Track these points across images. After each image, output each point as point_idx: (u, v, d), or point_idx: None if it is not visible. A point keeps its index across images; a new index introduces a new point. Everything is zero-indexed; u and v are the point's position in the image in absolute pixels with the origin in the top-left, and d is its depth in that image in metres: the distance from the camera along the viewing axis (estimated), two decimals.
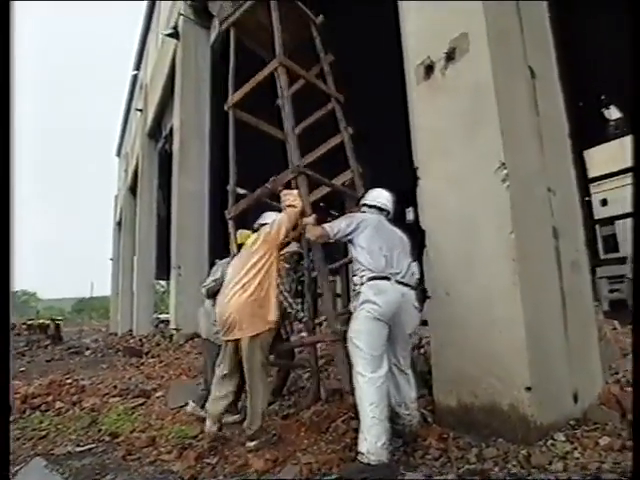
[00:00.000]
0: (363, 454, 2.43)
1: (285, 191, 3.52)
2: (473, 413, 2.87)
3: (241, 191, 3.74)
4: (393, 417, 2.76)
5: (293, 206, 3.38)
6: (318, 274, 3.50)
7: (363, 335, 2.65)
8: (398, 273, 2.80)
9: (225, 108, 4.32)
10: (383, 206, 3.23)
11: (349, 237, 2.99)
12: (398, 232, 3.14)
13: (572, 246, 3.26)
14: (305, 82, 4.43)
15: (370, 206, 3.24)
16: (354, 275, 2.87)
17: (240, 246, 3.72)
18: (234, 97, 4.26)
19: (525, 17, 3.33)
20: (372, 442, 2.44)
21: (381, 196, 3.28)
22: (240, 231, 3.98)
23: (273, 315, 3.21)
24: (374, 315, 2.66)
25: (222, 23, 4.64)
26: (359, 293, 2.77)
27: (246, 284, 3.17)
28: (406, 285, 2.81)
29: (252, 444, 3.04)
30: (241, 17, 4.43)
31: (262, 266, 3.22)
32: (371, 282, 2.74)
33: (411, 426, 2.83)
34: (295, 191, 3.48)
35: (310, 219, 3.30)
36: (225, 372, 3.27)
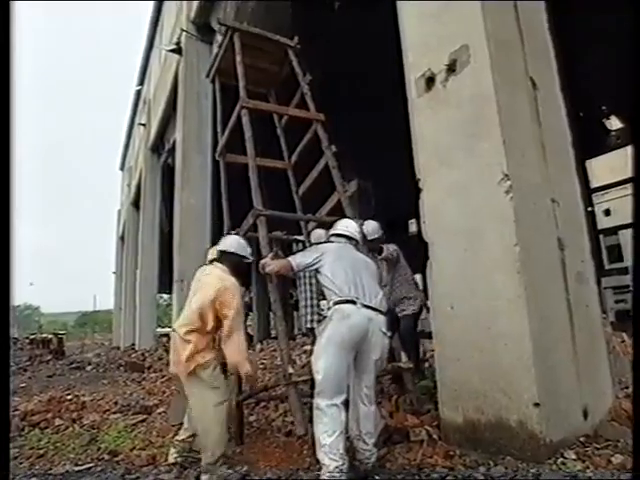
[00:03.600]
0: None
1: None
2: (480, 429, 2.80)
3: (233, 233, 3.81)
4: (353, 452, 2.71)
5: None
6: (275, 317, 3.41)
7: (322, 360, 2.61)
8: (365, 297, 2.74)
9: (216, 157, 4.58)
10: (351, 234, 3.23)
11: (314, 267, 2.98)
12: (365, 259, 3.15)
13: (578, 257, 3.21)
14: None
15: (338, 235, 3.24)
16: (323, 300, 2.88)
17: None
18: (219, 146, 4.54)
19: (525, 28, 3.33)
20: (328, 467, 2.42)
21: (349, 226, 3.30)
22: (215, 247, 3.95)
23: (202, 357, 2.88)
24: (336, 340, 2.60)
25: (208, 74, 4.94)
26: (325, 317, 2.76)
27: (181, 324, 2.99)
28: (374, 309, 2.72)
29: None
30: (223, 64, 4.65)
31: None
32: (337, 306, 2.69)
33: (367, 464, 2.67)
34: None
35: (267, 259, 3.27)
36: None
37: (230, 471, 2.90)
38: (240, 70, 4.24)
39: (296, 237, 4.39)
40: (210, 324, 2.91)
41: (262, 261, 3.27)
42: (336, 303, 2.71)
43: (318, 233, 4.42)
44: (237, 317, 2.91)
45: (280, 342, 3.26)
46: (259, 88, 4.95)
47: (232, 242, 3.33)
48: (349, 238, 3.21)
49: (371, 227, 4.41)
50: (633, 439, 2.18)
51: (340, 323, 2.63)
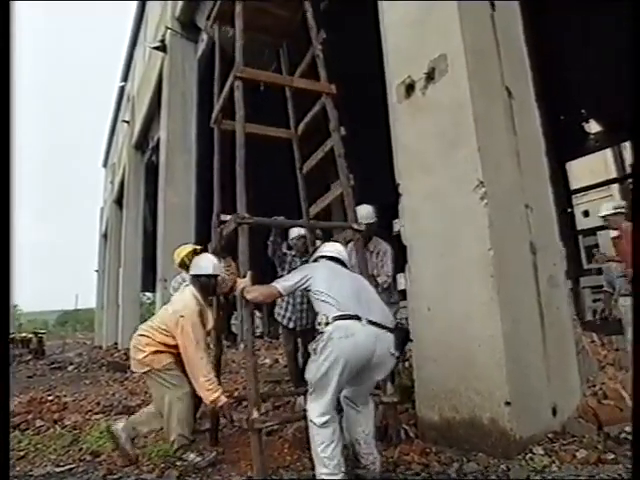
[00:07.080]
0: None
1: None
2: (455, 427, 2.91)
3: (227, 217, 3.35)
4: (355, 461, 2.58)
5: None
6: (246, 344, 3.00)
7: (320, 381, 2.34)
8: (370, 312, 2.42)
9: (211, 125, 4.00)
10: (341, 257, 2.88)
11: (303, 286, 2.64)
12: (360, 278, 2.88)
13: (549, 261, 3.33)
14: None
15: (327, 258, 2.88)
16: (317, 313, 2.52)
17: (181, 264, 3.74)
18: (214, 113, 3.90)
19: (502, 38, 3.43)
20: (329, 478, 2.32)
21: (338, 248, 2.98)
22: (182, 247, 3.94)
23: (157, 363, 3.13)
24: (338, 363, 2.27)
25: (208, 18, 4.23)
26: (322, 333, 2.36)
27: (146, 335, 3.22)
28: (381, 327, 2.39)
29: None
30: (226, 7, 3.75)
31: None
32: (338, 322, 2.34)
33: (374, 468, 2.52)
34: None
35: (246, 280, 2.83)
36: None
37: (199, 458, 3.09)
38: (238, 23, 3.42)
39: (298, 222, 4.08)
40: (168, 341, 3.14)
41: (241, 284, 2.82)
42: (336, 318, 2.35)
43: (366, 210, 3.97)
44: (197, 349, 3.03)
45: (248, 376, 2.78)
46: (267, 36, 4.16)
47: (205, 265, 3.33)
48: (339, 261, 2.86)
49: (365, 210, 3.96)
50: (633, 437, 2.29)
51: (343, 342, 2.28)
